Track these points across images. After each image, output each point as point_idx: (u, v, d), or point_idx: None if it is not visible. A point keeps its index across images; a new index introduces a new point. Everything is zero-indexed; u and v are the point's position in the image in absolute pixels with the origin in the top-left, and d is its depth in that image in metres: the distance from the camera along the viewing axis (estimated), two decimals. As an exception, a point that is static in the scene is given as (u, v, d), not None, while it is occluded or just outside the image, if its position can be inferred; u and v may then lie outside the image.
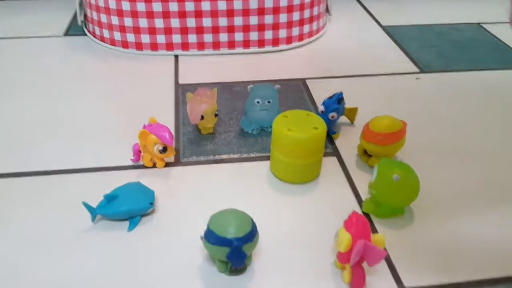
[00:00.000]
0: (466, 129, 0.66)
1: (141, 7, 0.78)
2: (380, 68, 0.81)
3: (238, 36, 0.82)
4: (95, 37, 0.88)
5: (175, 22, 0.79)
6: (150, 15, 0.79)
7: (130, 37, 0.82)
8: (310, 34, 0.88)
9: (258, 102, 0.61)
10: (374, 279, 0.44)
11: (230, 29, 0.81)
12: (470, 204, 0.53)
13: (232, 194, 0.54)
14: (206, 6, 0.78)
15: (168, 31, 0.80)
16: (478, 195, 0.54)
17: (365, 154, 0.59)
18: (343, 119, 0.66)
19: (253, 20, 0.81)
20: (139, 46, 0.82)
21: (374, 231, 0.49)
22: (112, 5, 0.79)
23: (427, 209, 0.52)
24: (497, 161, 0.60)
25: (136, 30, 0.81)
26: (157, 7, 0.78)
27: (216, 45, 0.83)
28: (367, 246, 0.40)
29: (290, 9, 0.82)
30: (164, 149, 0.55)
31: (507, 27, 0.97)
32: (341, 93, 0.62)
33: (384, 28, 0.96)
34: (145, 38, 0.81)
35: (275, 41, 0.84)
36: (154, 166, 0.57)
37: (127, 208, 0.49)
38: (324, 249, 0.47)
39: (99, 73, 0.78)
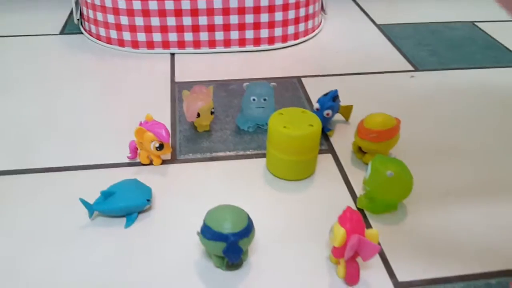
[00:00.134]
0: (460, 126, 0.66)
1: (137, 5, 0.78)
2: (374, 66, 0.81)
3: (234, 35, 0.83)
4: (91, 35, 0.88)
5: (171, 21, 0.80)
6: (146, 13, 0.79)
7: (126, 35, 0.82)
8: (306, 32, 0.89)
9: (254, 99, 0.61)
10: (368, 273, 0.45)
11: (226, 28, 0.82)
12: (462, 200, 0.54)
13: (229, 191, 0.54)
14: (202, 4, 0.79)
15: (164, 29, 0.81)
16: (470, 191, 0.55)
17: (359, 151, 0.59)
18: (338, 116, 0.67)
19: (249, 18, 0.81)
20: (135, 44, 0.83)
21: (368, 226, 0.50)
22: (108, 3, 0.80)
23: (420, 205, 0.53)
24: (490, 158, 0.61)
25: (132, 29, 0.81)
26: (153, 5, 0.78)
27: (212, 43, 0.83)
28: (361, 241, 0.41)
29: (285, 7, 0.82)
30: (161, 146, 0.55)
31: (501, 25, 0.98)
32: (336, 91, 0.62)
33: (379, 27, 0.97)
34: (141, 37, 0.81)
35: (271, 40, 0.85)
36: (150, 163, 0.58)
37: (124, 204, 0.49)
38: (319, 244, 0.48)
39: (95, 71, 0.78)
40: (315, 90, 0.74)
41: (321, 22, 0.96)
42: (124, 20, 0.80)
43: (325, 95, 0.62)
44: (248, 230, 0.43)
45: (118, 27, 0.82)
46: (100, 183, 0.53)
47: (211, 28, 0.81)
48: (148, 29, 0.81)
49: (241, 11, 0.80)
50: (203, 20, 0.80)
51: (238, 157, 0.60)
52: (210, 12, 0.80)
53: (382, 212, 0.51)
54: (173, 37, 0.82)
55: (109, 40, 0.84)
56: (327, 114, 0.61)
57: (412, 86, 0.76)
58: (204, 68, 0.79)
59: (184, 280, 0.44)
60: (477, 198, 0.54)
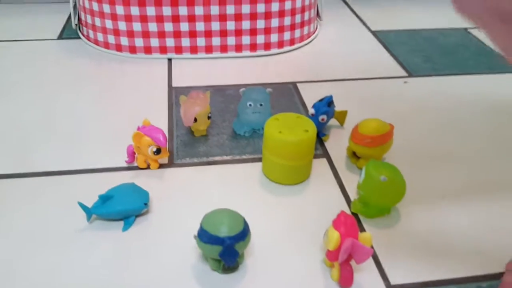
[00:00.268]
0: (452, 132, 0.68)
1: (135, 11, 0.79)
2: (369, 72, 0.82)
3: (231, 40, 0.84)
4: (89, 40, 0.89)
5: (168, 26, 0.81)
6: (144, 19, 0.80)
7: (124, 41, 0.83)
8: (301, 38, 0.90)
9: (250, 105, 0.62)
10: (362, 276, 0.46)
11: (223, 33, 0.83)
12: (454, 205, 0.55)
13: (225, 195, 0.55)
14: (199, 10, 0.80)
15: (161, 35, 0.81)
16: (462, 195, 0.56)
17: (354, 156, 0.60)
18: (333, 121, 0.68)
19: (245, 24, 0.82)
20: (132, 49, 0.83)
21: (362, 230, 0.51)
22: (106, 9, 0.80)
23: (412, 209, 0.54)
24: (482, 163, 0.62)
25: (130, 34, 0.82)
26: (150, 11, 0.79)
27: (208, 49, 0.84)
28: (355, 244, 0.42)
29: (281, 14, 0.84)
30: (158, 151, 0.56)
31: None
32: (331, 97, 0.63)
33: (374, 33, 0.98)
34: (139, 42, 0.82)
35: (267, 45, 0.86)
36: (148, 167, 0.58)
37: (122, 208, 0.50)
38: (314, 247, 0.48)
39: (93, 76, 0.79)
40: (310, 96, 0.75)
41: (316, 28, 0.97)
42: (122, 25, 0.81)
43: (320, 100, 0.63)
44: (244, 233, 0.44)
45: (116, 32, 0.82)
46: (98, 186, 0.54)
47: (208, 34, 0.82)
48: (145, 34, 0.81)
49: (238, 17, 0.81)
50: (200, 26, 0.81)
51: (234, 162, 0.60)
52: (207, 18, 0.81)
53: (376, 216, 0.52)
54: (170, 42, 0.82)
55: (107, 45, 0.85)
56: (322, 119, 0.62)
57: (405, 92, 0.77)
58: (201, 73, 0.80)
59: (181, 282, 0.44)
60: (470, 202, 0.55)
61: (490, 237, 0.50)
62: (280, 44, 0.87)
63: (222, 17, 0.81)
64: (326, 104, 0.62)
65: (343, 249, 0.42)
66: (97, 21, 0.83)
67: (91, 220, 0.51)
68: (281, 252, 0.48)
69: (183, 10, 0.80)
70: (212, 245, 0.43)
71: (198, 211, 0.48)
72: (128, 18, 0.80)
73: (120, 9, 0.80)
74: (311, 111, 0.63)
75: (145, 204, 0.51)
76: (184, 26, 0.81)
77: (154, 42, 0.82)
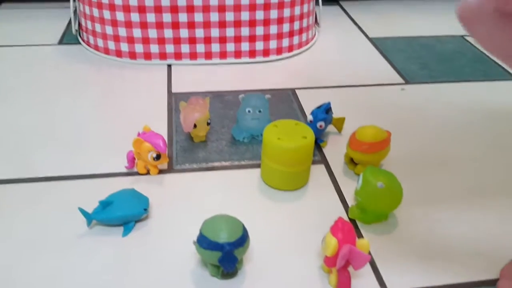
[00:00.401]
0: (449, 138, 0.68)
1: (135, 17, 0.80)
2: (366, 79, 0.83)
3: (230, 47, 0.84)
4: (89, 46, 0.89)
5: (168, 33, 0.81)
6: (144, 25, 0.81)
7: (124, 47, 0.84)
8: (300, 45, 0.91)
9: (249, 111, 0.63)
10: (359, 282, 0.46)
11: (222, 40, 0.83)
12: (451, 210, 0.55)
13: (224, 201, 0.55)
14: (199, 17, 0.80)
15: (161, 41, 0.82)
16: (459, 202, 0.57)
17: (351, 162, 0.61)
18: (331, 128, 0.69)
19: (245, 31, 0.83)
20: (132, 55, 0.84)
21: (360, 236, 0.51)
22: (107, 15, 0.81)
23: (410, 215, 0.54)
24: (478, 170, 0.62)
25: (130, 40, 0.82)
26: (150, 17, 0.80)
27: (208, 55, 0.85)
28: (352, 250, 0.42)
29: (280, 21, 0.84)
30: (158, 157, 0.56)
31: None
32: (329, 103, 0.64)
33: (371, 40, 0.99)
34: (139, 48, 0.83)
35: (266, 52, 0.87)
36: (147, 173, 0.59)
37: (122, 214, 0.50)
38: (312, 253, 0.49)
39: (93, 81, 0.80)
40: (309, 102, 0.75)
41: (315, 35, 0.98)
42: (122, 31, 0.82)
43: (318, 107, 0.64)
44: (243, 239, 0.44)
45: (116, 38, 0.83)
46: (98, 192, 0.54)
47: (207, 40, 0.83)
48: (145, 40, 0.82)
49: (237, 24, 0.82)
50: (199, 33, 0.82)
51: (233, 167, 0.61)
52: (206, 24, 0.81)
53: (373, 222, 0.53)
54: (170, 48, 0.83)
55: (107, 51, 0.86)
56: (320, 126, 0.63)
57: (402, 99, 0.78)
58: (201, 79, 0.81)
59: (180, 288, 0.45)
60: (466, 208, 0.56)
61: (486, 243, 0.51)
62: (279, 50, 0.88)
63: (222, 24, 0.82)
64: (324, 111, 0.63)
65: (340, 255, 0.42)
66: (97, 27, 0.84)
67: (91, 226, 0.51)
68: (280, 257, 0.48)
69: (183, 17, 0.80)
70: (212, 251, 0.43)
71: (197, 217, 0.48)
72: (128, 24, 0.81)
73: (120, 15, 0.80)
74: (310, 117, 0.63)
75: (145, 209, 0.51)
76: (184, 33, 0.82)
77: (154, 48, 0.83)
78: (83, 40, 0.91)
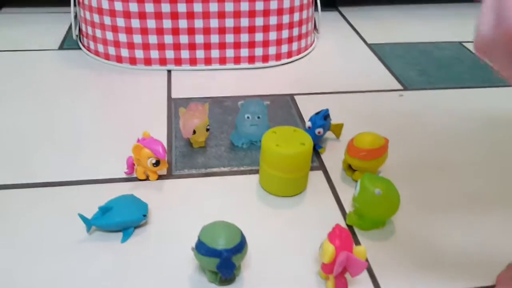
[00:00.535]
0: (447, 145, 0.69)
1: (135, 23, 0.81)
2: (365, 85, 0.84)
3: (229, 53, 0.85)
4: (89, 51, 0.90)
5: (168, 39, 0.82)
6: (144, 31, 0.81)
7: (124, 52, 0.84)
8: (299, 51, 0.92)
9: (248, 117, 0.63)
10: (357, 288, 0.46)
11: (222, 46, 0.84)
12: (449, 217, 0.56)
13: (222, 206, 0.56)
14: (198, 23, 0.81)
15: (161, 47, 0.83)
16: (457, 209, 0.57)
17: (349, 169, 0.61)
18: (329, 134, 0.69)
19: (244, 37, 0.84)
20: (132, 61, 0.85)
21: (357, 242, 0.52)
22: (107, 21, 0.82)
23: (407, 221, 0.55)
24: (477, 176, 0.63)
25: (130, 46, 0.83)
26: (151, 23, 0.80)
27: (208, 60, 0.85)
28: (350, 257, 0.43)
29: (279, 27, 0.85)
30: (157, 163, 0.57)
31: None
32: (327, 110, 0.65)
33: (370, 46, 1.00)
34: (139, 53, 0.83)
35: (265, 58, 0.87)
36: (147, 178, 0.59)
37: (121, 219, 0.50)
38: (309, 259, 0.49)
39: (93, 86, 0.80)
40: (308, 108, 0.76)
41: (314, 41, 0.98)
42: (122, 37, 0.82)
43: (317, 113, 0.64)
44: (241, 246, 0.44)
45: (117, 44, 0.84)
46: (97, 197, 0.55)
47: (207, 46, 0.84)
48: (146, 46, 0.83)
49: (237, 30, 0.83)
50: (199, 39, 0.83)
51: (232, 173, 0.61)
52: (206, 31, 0.82)
53: (371, 229, 0.53)
54: (170, 54, 0.84)
55: (107, 56, 0.86)
56: (319, 132, 0.63)
57: (401, 105, 0.78)
58: (200, 85, 0.81)
59: (178, 294, 0.45)
60: (464, 215, 0.56)
61: (484, 250, 0.51)
62: (278, 56, 0.88)
63: (221, 30, 0.82)
64: (323, 118, 0.63)
65: (337, 262, 0.42)
66: (98, 33, 0.85)
67: (90, 231, 0.51)
68: (277, 263, 0.49)
69: (183, 23, 0.81)
70: (210, 257, 0.43)
71: (196, 222, 0.49)
72: (129, 30, 0.81)
73: (120, 21, 0.81)
74: (308, 124, 0.64)
75: (144, 215, 0.51)
76: (184, 39, 0.82)
77: (154, 54, 0.83)
78: (84, 46, 0.92)
